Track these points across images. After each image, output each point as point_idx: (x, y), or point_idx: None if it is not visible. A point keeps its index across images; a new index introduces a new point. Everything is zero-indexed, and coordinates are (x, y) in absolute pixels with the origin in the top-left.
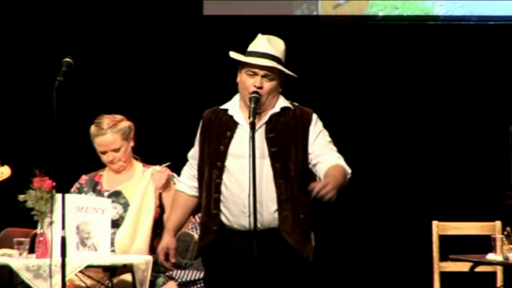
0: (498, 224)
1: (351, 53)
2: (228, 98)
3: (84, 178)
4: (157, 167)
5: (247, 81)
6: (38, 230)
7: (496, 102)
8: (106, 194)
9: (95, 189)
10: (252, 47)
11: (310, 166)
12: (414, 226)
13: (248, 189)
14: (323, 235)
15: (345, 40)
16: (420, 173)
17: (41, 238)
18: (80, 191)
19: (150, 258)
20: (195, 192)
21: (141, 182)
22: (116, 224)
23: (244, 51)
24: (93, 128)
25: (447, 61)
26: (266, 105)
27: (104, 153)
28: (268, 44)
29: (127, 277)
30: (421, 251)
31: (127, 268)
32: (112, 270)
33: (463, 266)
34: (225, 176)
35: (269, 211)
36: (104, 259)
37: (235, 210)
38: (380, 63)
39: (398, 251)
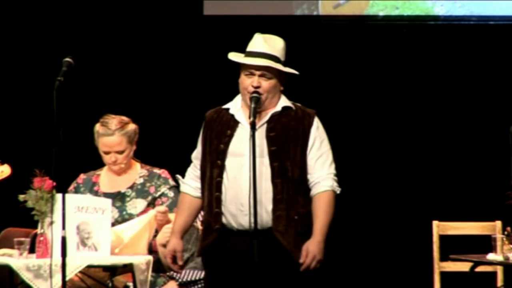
0: (498, 224)
1: (351, 53)
2: (228, 98)
3: (82, 177)
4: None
5: (245, 82)
6: (39, 230)
7: (496, 102)
8: (102, 196)
9: (92, 189)
10: (249, 47)
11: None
12: (414, 226)
13: (247, 187)
14: None
15: (345, 40)
16: (420, 173)
17: (42, 238)
18: (76, 190)
19: (150, 258)
20: (199, 193)
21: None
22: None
23: (244, 51)
24: (99, 127)
25: (447, 61)
26: (266, 104)
27: (107, 153)
28: (265, 44)
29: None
30: (421, 251)
31: (127, 268)
32: (112, 270)
33: (464, 266)
34: (225, 175)
35: (266, 210)
36: (104, 259)
37: (233, 209)
38: (381, 63)
39: (398, 251)
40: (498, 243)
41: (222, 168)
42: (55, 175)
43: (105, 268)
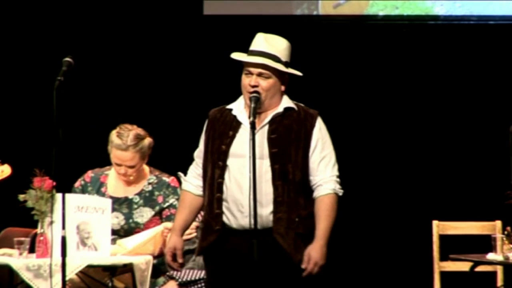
0: (498, 223)
1: (351, 53)
2: (228, 98)
3: (89, 175)
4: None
5: (244, 81)
6: (39, 230)
7: (496, 102)
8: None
9: (100, 190)
10: (251, 47)
11: (309, 172)
12: (414, 226)
13: (247, 189)
14: None
15: (345, 40)
16: (420, 173)
17: (42, 238)
18: (84, 189)
19: (150, 258)
20: (201, 192)
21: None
22: (115, 233)
23: (244, 51)
24: (114, 137)
25: (447, 61)
26: (266, 105)
27: (118, 165)
28: (265, 43)
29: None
30: (421, 250)
31: (127, 267)
32: (112, 270)
33: (463, 266)
34: (226, 176)
35: (266, 211)
36: (104, 259)
37: (234, 210)
38: (380, 63)
39: (398, 251)
40: (498, 243)
41: (223, 169)
42: (55, 175)
43: (105, 268)
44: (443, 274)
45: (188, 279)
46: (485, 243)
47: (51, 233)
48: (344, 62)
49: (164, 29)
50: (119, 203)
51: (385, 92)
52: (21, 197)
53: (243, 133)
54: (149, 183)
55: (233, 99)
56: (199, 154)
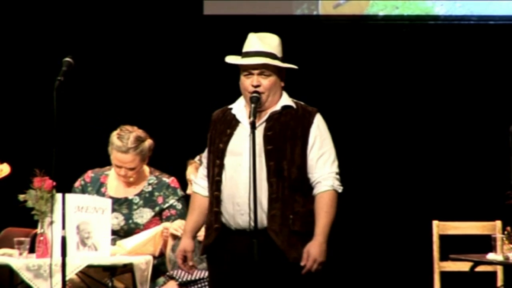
0: (498, 223)
1: (351, 53)
2: (228, 97)
3: (89, 175)
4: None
5: (245, 82)
6: (39, 230)
7: (496, 102)
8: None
9: (100, 191)
10: (245, 48)
11: (307, 170)
12: (415, 226)
13: (243, 187)
14: None
15: (346, 40)
16: (420, 173)
17: (42, 238)
18: (84, 189)
19: (150, 258)
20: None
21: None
22: (115, 233)
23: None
24: (115, 139)
25: (447, 61)
26: (268, 103)
27: (118, 167)
28: (260, 42)
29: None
30: (421, 250)
31: (128, 268)
32: (112, 270)
33: (464, 266)
34: (223, 174)
35: (262, 209)
36: (104, 259)
37: (230, 208)
38: (381, 63)
39: (398, 251)
40: (498, 243)
41: (221, 167)
42: (55, 174)
43: (105, 268)
44: (443, 274)
45: (188, 279)
46: (485, 243)
47: (51, 233)
48: (344, 62)
49: (164, 29)
50: (119, 204)
51: (385, 92)
52: (21, 197)
53: (241, 132)
54: (149, 184)
55: (233, 99)
56: (205, 155)
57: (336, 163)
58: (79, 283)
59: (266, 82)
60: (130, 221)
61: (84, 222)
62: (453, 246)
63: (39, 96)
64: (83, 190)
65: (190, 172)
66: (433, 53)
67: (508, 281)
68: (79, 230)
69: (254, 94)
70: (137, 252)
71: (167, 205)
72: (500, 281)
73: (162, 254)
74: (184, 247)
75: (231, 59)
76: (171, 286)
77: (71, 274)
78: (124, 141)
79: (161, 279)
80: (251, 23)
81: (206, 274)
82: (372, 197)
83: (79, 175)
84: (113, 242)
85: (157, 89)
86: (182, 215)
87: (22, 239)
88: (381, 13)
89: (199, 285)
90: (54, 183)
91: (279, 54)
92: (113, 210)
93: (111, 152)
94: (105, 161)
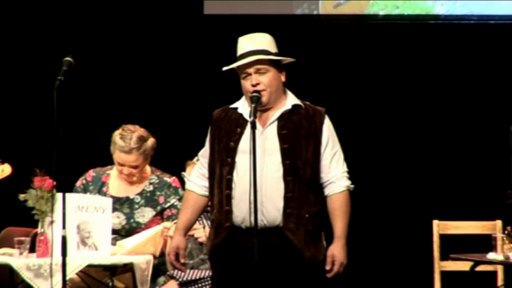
0: (498, 223)
1: (351, 53)
2: (228, 97)
3: (91, 174)
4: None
5: (245, 84)
6: (39, 230)
7: (496, 102)
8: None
9: (101, 190)
10: (238, 52)
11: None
12: (415, 225)
13: (254, 185)
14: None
15: (346, 40)
16: (421, 172)
17: (42, 238)
18: (85, 188)
19: (150, 257)
20: (204, 191)
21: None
22: (117, 233)
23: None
24: (117, 139)
25: (447, 60)
26: (272, 100)
27: (121, 165)
28: (250, 43)
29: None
30: (421, 250)
31: (128, 267)
32: (112, 270)
33: (464, 265)
34: (235, 173)
35: (275, 208)
36: (104, 259)
37: (242, 207)
38: (381, 62)
39: (399, 250)
40: (499, 242)
41: (232, 165)
42: (55, 174)
43: (106, 267)
44: (444, 274)
45: (188, 278)
46: (486, 243)
47: (51, 232)
48: (344, 61)
49: (164, 29)
50: (120, 203)
51: (386, 91)
52: (22, 196)
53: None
54: (151, 183)
55: (234, 98)
56: (204, 154)
57: (345, 163)
58: (79, 283)
59: (264, 79)
60: (132, 221)
61: (84, 221)
62: (454, 245)
63: (40, 96)
64: (85, 189)
65: (188, 173)
66: (433, 52)
67: (508, 281)
68: (79, 229)
69: (254, 94)
70: (138, 251)
71: (168, 204)
72: (500, 281)
73: (162, 254)
74: (177, 244)
75: (227, 67)
76: (171, 286)
77: (71, 273)
78: (127, 141)
79: (161, 279)
80: (251, 23)
81: (207, 274)
82: (372, 196)
83: (79, 175)
84: (114, 241)
85: (157, 89)
86: None
87: (23, 238)
88: (381, 12)
89: (199, 285)
90: (55, 183)
91: (272, 50)
92: (115, 210)
93: (114, 151)
94: (106, 161)
